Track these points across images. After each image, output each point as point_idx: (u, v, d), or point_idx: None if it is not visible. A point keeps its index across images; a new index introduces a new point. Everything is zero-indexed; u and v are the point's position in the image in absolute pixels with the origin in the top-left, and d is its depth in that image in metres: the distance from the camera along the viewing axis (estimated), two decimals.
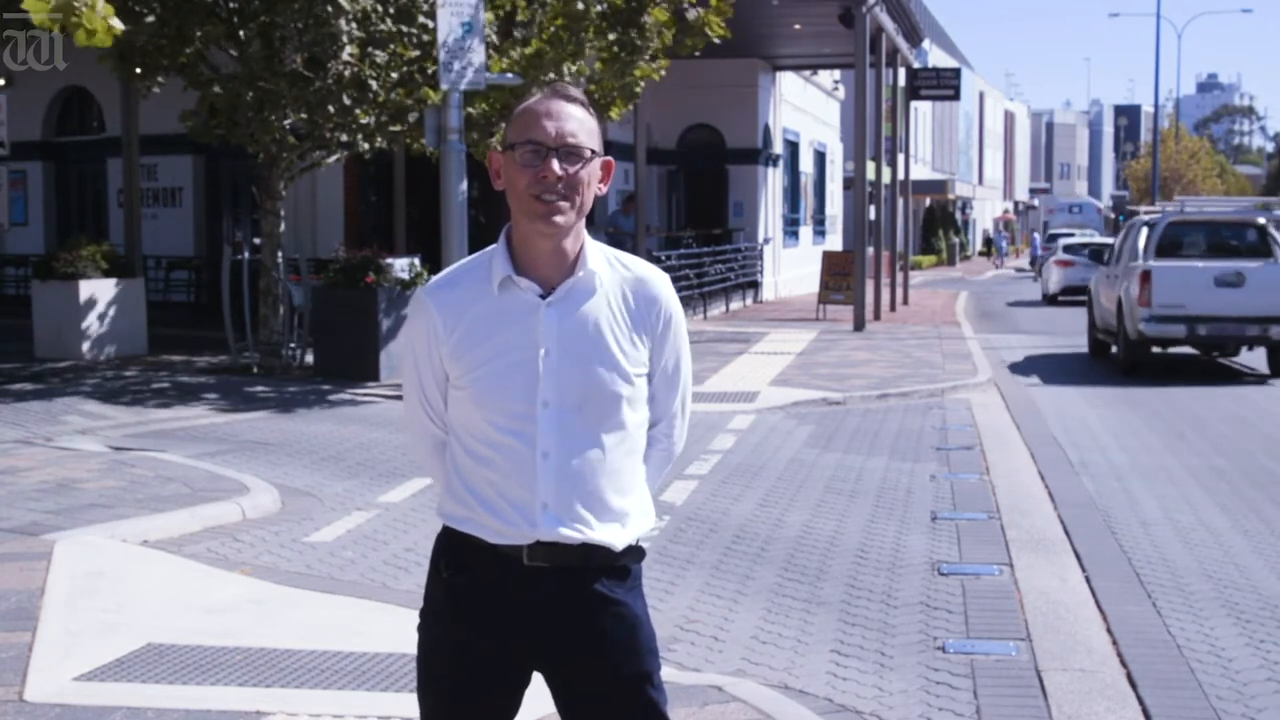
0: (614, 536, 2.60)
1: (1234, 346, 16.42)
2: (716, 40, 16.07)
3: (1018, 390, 14.52)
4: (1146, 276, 15.61)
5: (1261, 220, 17.10)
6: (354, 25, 13.24)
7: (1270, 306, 15.42)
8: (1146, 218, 17.63)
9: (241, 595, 6.12)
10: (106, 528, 7.26)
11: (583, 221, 2.62)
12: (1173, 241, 16.61)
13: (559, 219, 2.55)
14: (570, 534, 2.56)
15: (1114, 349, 17.03)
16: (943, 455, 10.30)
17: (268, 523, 7.79)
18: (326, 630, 5.54)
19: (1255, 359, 16.87)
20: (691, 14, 15.56)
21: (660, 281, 2.69)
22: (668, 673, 4.97)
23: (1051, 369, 16.91)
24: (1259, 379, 15.86)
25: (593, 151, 2.59)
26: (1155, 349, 16.12)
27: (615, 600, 2.62)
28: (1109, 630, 5.96)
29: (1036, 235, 56.81)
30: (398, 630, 5.18)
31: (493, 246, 2.66)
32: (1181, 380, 15.40)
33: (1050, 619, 6.02)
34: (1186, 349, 16.33)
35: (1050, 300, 32.15)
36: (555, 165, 2.54)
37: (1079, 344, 19.35)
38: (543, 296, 2.58)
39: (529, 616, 2.60)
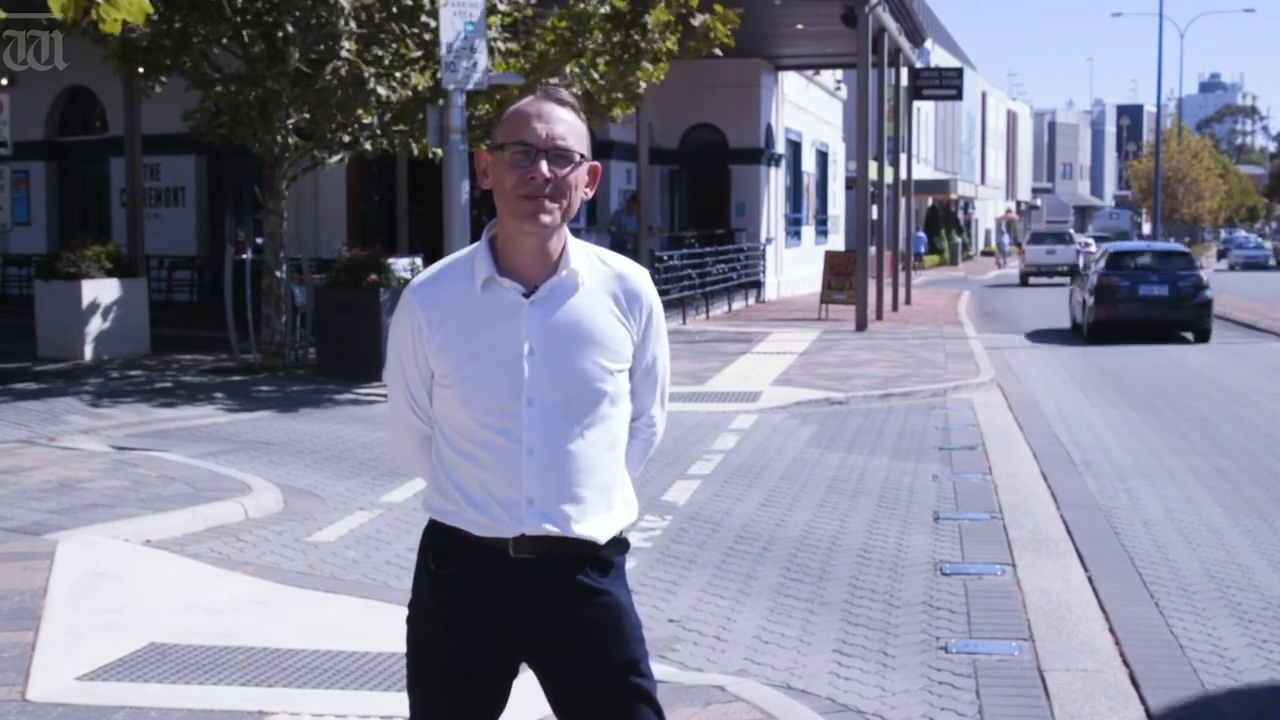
0: (597, 530, 2.64)
1: (1050, 274, 44.01)
2: (719, 53, 16.08)
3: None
4: (1025, 251, 46.56)
5: (1069, 230, 52.73)
6: (354, 24, 13.24)
7: (1065, 261, 43.63)
8: (1034, 228, 63.99)
9: (244, 595, 6.13)
10: (109, 527, 7.26)
11: (566, 222, 2.64)
12: (1037, 238, 47.04)
13: (545, 219, 2.57)
14: (555, 529, 2.59)
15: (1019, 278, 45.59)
16: (945, 455, 10.30)
17: (270, 522, 7.79)
18: (329, 630, 5.54)
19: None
20: (696, 20, 15.56)
21: (641, 277, 2.73)
22: (670, 672, 4.98)
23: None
24: (1064, 284, 37.35)
25: (581, 155, 2.62)
26: (1031, 279, 43.73)
27: (599, 590, 2.65)
28: (1111, 630, 5.95)
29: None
30: (400, 630, 5.13)
31: (474, 245, 2.69)
32: (1037, 285, 42.16)
33: (1053, 619, 6.01)
34: (1040, 279, 43.72)
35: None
36: (544, 167, 2.56)
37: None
38: (526, 295, 2.61)
39: (515, 608, 2.63)
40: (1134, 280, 21.98)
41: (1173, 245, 27.40)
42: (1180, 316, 21.93)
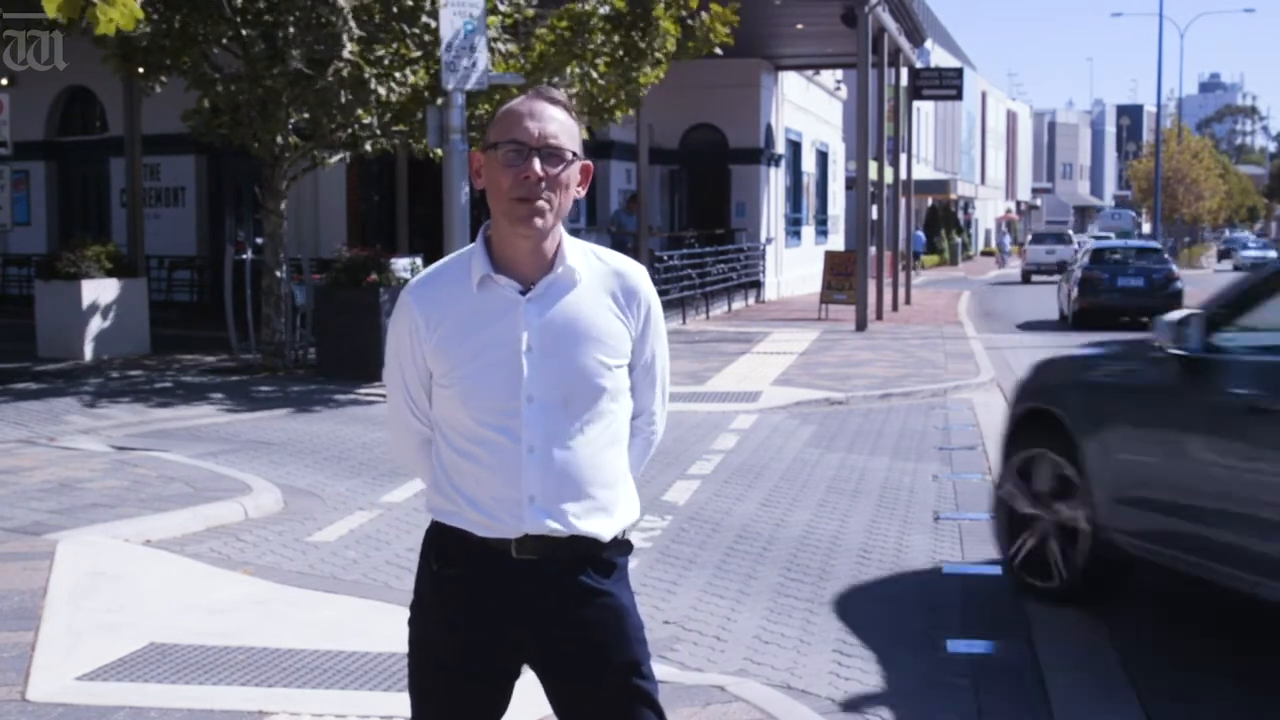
0: (601, 527, 2.64)
1: (1050, 273, 42.97)
2: (719, 53, 16.07)
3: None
4: (1025, 250, 50.31)
5: (1067, 231, 57.16)
6: (353, 24, 13.24)
7: (1063, 259, 41.02)
8: (1034, 229, 70.35)
9: (244, 595, 6.13)
10: (109, 527, 7.27)
11: (559, 221, 2.65)
12: (1038, 238, 51.14)
13: (539, 221, 2.58)
14: (558, 526, 2.59)
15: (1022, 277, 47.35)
16: (945, 455, 10.30)
17: (270, 522, 7.80)
18: (329, 630, 5.54)
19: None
20: (694, 21, 15.56)
21: (639, 274, 2.73)
22: (670, 673, 4.98)
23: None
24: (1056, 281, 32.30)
25: (573, 154, 2.62)
26: (1033, 276, 45.67)
27: (602, 590, 2.65)
28: (1111, 630, 5.95)
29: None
30: (400, 630, 5.14)
31: (471, 245, 2.69)
32: (1038, 283, 42.48)
33: (1052, 619, 6.01)
34: (1041, 276, 44.96)
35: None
36: (537, 165, 2.57)
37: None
38: (522, 293, 2.61)
39: (518, 608, 2.62)
40: (1113, 273, 24.69)
41: (1147, 243, 30.90)
42: (1154, 305, 24.07)
